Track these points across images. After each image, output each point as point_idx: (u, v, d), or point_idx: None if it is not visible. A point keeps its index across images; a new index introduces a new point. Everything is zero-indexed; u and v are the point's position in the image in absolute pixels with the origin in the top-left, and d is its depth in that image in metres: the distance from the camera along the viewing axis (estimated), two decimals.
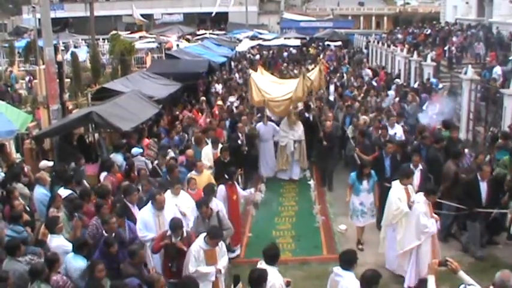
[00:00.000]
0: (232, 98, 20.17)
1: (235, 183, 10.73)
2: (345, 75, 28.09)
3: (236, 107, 18.59)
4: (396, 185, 9.47)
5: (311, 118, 16.06)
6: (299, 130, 14.97)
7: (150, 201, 8.77)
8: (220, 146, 12.74)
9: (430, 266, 6.27)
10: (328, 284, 6.86)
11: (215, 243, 7.56)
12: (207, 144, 13.03)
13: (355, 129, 14.50)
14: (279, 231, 11.82)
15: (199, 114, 17.74)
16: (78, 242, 7.58)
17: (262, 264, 6.69)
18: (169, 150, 12.64)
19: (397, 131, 13.80)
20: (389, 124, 13.90)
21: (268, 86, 15.52)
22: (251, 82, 15.17)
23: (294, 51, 44.72)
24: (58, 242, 7.84)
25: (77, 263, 7.31)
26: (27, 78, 29.90)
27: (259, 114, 16.39)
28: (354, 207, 10.73)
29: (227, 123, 16.07)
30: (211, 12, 60.94)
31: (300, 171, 15.25)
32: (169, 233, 7.95)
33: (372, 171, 10.63)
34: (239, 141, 13.99)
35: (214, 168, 11.89)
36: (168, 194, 9.19)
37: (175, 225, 7.90)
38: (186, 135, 14.93)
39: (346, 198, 10.99)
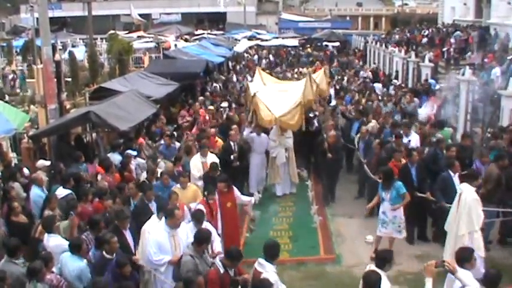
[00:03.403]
0: (224, 104, 19.14)
1: (232, 189, 10.07)
2: (345, 78, 27.59)
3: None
4: (468, 187, 9.04)
5: (313, 125, 14.99)
6: (289, 137, 13.85)
7: (163, 218, 7.90)
8: (212, 155, 11.94)
9: (427, 268, 6.24)
10: (445, 284, 6.73)
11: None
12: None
13: (365, 137, 13.59)
14: (276, 231, 11.81)
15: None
16: (75, 242, 7.51)
17: (371, 267, 6.52)
18: (159, 160, 11.96)
19: (412, 138, 12.97)
20: (404, 132, 13.05)
21: (275, 102, 13.80)
22: (257, 102, 13.60)
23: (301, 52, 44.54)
24: (56, 242, 7.84)
25: (74, 263, 7.28)
26: (10, 77, 29.93)
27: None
28: (379, 214, 10.42)
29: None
30: (210, 12, 61.06)
31: (292, 184, 14.15)
32: (222, 269, 6.85)
33: (399, 183, 10.17)
34: (232, 157, 12.83)
35: (203, 183, 10.90)
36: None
37: (236, 253, 7.01)
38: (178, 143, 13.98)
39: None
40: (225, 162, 12.20)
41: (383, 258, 6.58)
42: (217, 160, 11.61)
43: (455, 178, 10.12)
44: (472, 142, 13.20)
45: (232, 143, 13.16)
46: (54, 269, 7.28)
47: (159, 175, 10.74)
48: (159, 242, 7.68)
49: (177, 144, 13.67)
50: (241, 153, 13.14)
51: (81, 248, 7.45)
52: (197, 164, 11.59)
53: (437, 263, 6.17)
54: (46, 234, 8.05)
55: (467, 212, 8.93)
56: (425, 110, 16.51)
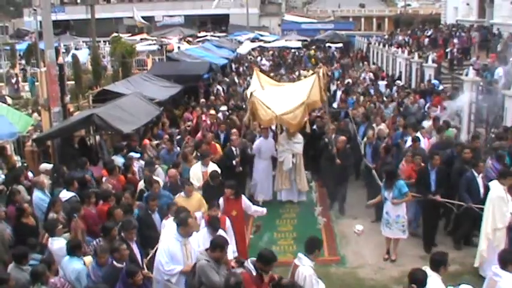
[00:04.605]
0: (223, 107, 18.60)
1: (241, 197, 9.73)
2: (349, 80, 27.02)
3: (228, 116, 16.92)
4: (496, 185, 9.15)
5: (323, 127, 14.33)
6: (299, 143, 13.15)
7: (176, 227, 7.54)
8: (213, 164, 11.46)
9: None
10: (485, 284, 6.72)
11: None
12: (198, 160, 11.72)
13: (372, 141, 13.18)
14: (280, 232, 11.80)
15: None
16: (71, 244, 7.46)
17: (427, 269, 6.49)
18: (157, 166, 11.45)
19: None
20: (410, 134, 12.87)
21: (275, 100, 12.83)
22: (255, 101, 12.66)
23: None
24: (59, 245, 7.82)
25: (73, 265, 7.26)
26: (13, 80, 29.97)
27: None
28: (383, 214, 10.39)
29: (222, 135, 14.52)
30: (212, 14, 61.07)
31: (299, 193, 13.42)
32: (254, 272, 6.66)
33: (401, 182, 10.16)
34: (234, 162, 12.50)
35: (202, 192, 10.33)
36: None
37: (270, 256, 6.72)
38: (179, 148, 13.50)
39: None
40: (227, 168, 11.85)
41: (438, 261, 6.47)
42: (218, 169, 11.17)
43: (479, 178, 10.08)
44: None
45: (234, 148, 12.84)
46: (61, 272, 7.30)
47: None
48: (171, 251, 7.38)
49: (179, 149, 13.32)
50: (243, 158, 12.83)
51: (79, 249, 7.44)
52: (197, 173, 11.18)
53: None
54: (50, 238, 8.07)
55: (491, 209, 9.06)
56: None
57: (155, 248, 7.99)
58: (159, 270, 7.41)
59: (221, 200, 9.40)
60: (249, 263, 6.84)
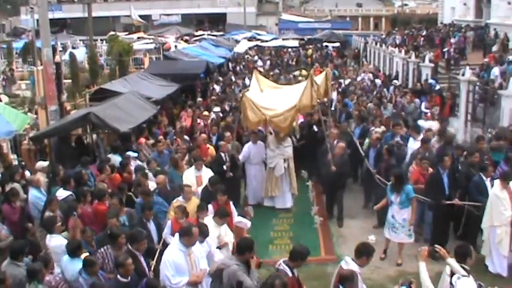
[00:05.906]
0: (217, 108, 18.05)
1: (229, 203, 9.46)
2: (348, 81, 26.78)
3: (222, 119, 16.57)
4: (497, 184, 9.32)
5: (319, 132, 13.86)
6: (288, 147, 12.91)
7: (178, 236, 7.30)
8: (207, 169, 11.20)
9: (420, 253, 6.57)
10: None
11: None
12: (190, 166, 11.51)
13: (376, 145, 12.63)
14: (276, 232, 11.79)
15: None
16: (72, 245, 7.37)
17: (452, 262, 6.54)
18: (147, 171, 11.06)
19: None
20: (412, 135, 12.57)
21: (268, 102, 12.51)
22: (245, 102, 12.30)
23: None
24: (57, 242, 7.81)
25: (74, 266, 7.17)
26: (0, 78, 29.94)
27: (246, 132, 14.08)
28: (387, 218, 10.19)
29: (214, 138, 14.25)
30: (210, 13, 61.06)
31: (292, 197, 13.17)
32: (289, 272, 6.57)
33: (409, 187, 9.98)
34: (224, 167, 12.00)
35: (200, 197, 9.99)
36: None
37: (304, 251, 6.76)
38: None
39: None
40: (218, 174, 11.19)
41: (463, 254, 6.53)
42: (211, 173, 10.92)
43: (488, 182, 9.96)
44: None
45: (223, 154, 12.35)
46: (57, 270, 7.28)
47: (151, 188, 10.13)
48: (176, 262, 7.12)
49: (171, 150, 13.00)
50: (233, 164, 12.38)
51: (80, 250, 7.35)
52: (190, 178, 10.86)
53: (429, 250, 6.47)
54: (48, 235, 8.05)
55: (489, 207, 9.28)
56: None
57: (155, 258, 7.90)
58: (165, 284, 7.18)
59: (210, 207, 9.12)
60: (282, 264, 6.72)
